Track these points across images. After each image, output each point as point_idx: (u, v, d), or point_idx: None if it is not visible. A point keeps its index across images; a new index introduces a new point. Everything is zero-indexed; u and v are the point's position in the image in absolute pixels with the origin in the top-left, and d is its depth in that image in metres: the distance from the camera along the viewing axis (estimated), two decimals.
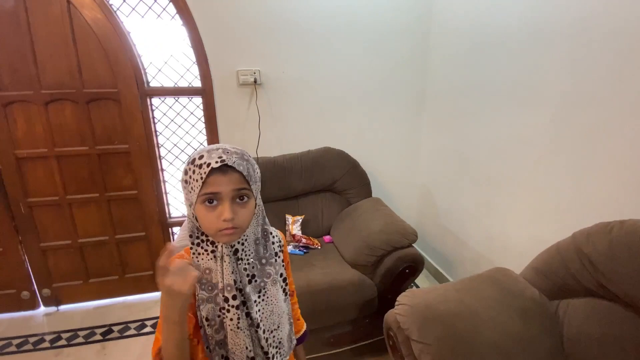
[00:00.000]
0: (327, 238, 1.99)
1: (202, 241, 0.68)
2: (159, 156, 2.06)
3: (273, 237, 0.77)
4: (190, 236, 0.68)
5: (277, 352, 0.74)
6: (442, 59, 2.11)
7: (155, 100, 2.00)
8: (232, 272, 0.68)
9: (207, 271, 0.68)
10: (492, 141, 1.72)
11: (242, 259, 0.70)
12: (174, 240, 2.21)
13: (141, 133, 1.94)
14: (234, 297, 0.67)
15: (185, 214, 2.16)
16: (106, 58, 1.81)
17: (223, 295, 0.67)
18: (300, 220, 1.98)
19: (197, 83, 1.99)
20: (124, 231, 2.09)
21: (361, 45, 2.11)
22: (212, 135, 2.06)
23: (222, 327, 0.68)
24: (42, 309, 2.12)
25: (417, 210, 2.53)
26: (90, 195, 1.98)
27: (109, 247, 2.09)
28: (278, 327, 0.74)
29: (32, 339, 1.89)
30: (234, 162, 0.62)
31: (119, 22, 1.80)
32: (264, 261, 0.73)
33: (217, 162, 0.61)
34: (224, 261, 0.67)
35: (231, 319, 0.67)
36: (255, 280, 0.72)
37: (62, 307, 2.14)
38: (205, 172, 0.60)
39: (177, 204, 2.21)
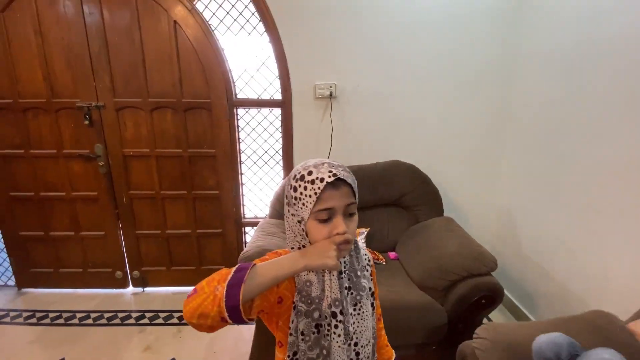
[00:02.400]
0: (392, 254, 1.98)
1: None
2: (240, 161, 2.23)
3: (359, 247, 0.78)
4: (292, 248, 0.70)
5: None
6: (533, 65, 1.95)
7: (240, 110, 2.18)
8: (340, 287, 0.68)
9: (308, 284, 0.68)
10: (596, 161, 1.53)
11: (342, 272, 0.71)
12: (246, 239, 2.38)
13: (226, 139, 2.13)
14: (342, 312, 0.67)
15: (260, 216, 2.38)
16: (203, 72, 2.03)
17: (330, 311, 0.67)
18: (365, 233, 2.00)
19: (278, 96, 2.13)
20: (204, 227, 2.29)
21: (438, 57, 2.08)
22: (288, 144, 2.18)
23: (316, 345, 0.68)
24: (131, 288, 2.41)
25: (493, 234, 2.38)
26: (180, 192, 2.21)
27: (190, 240, 2.31)
28: (368, 342, 0.74)
29: (120, 315, 2.16)
30: (344, 175, 0.63)
31: (215, 39, 2.00)
32: (358, 273, 0.73)
33: (329, 176, 0.61)
34: (332, 275, 0.68)
35: (339, 335, 0.67)
36: (352, 293, 0.71)
37: (148, 289, 2.41)
38: (319, 188, 0.61)
39: (250, 205, 2.37)
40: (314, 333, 0.68)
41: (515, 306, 2.11)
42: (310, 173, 0.63)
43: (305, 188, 0.63)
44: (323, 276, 0.68)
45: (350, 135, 2.19)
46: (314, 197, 0.61)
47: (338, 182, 0.62)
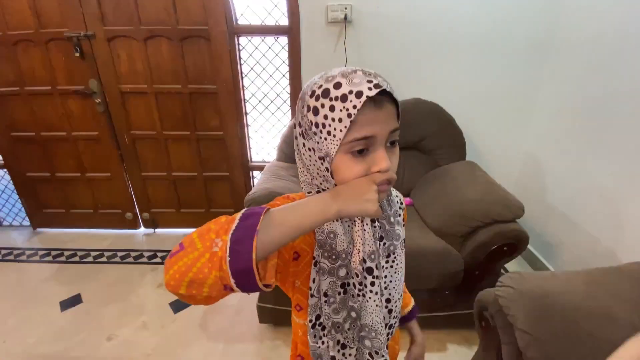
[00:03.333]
0: (407, 200, 1.84)
1: None
2: (244, 99, 2.05)
3: (393, 191, 0.64)
4: (309, 193, 0.55)
5: (394, 323, 0.64)
6: None
7: (242, 40, 1.94)
8: (374, 238, 0.54)
9: (332, 235, 0.54)
10: None
11: (374, 221, 0.57)
12: (254, 183, 2.28)
13: (228, 74, 1.93)
14: (377, 267, 0.54)
15: (268, 160, 2.26)
16: None
17: (364, 266, 0.54)
18: None
19: (285, 21, 1.87)
20: (211, 170, 2.20)
21: None
22: (296, 79, 1.97)
23: (342, 307, 0.56)
24: (142, 229, 2.43)
25: (516, 181, 2.18)
26: (183, 132, 2.09)
27: (197, 183, 2.24)
28: (400, 296, 0.63)
29: (133, 254, 2.19)
30: (390, 88, 0.46)
31: None
32: (392, 219, 0.59)
33: (370, 88, 0.43)
34: (364, 224, 0.53)
35: (376, 293, 0.55)
36: (384, 243, 0.58)
37: (159, 230, 2.41)
38: (355, 107, 0.43)
39: (257, 148, 2.24)
40: (339, 294, 0.55)
41: (533, 256, 1.99)
42: (338, 86, 0.45)
43: (332, 108, 0.45)
44: (352, 225, 0.54)
45: (366, 68, 1.94)
46: (346, 121, 0.44)
47: (381, 98, 0.45)
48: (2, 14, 1.83)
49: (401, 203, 0.65)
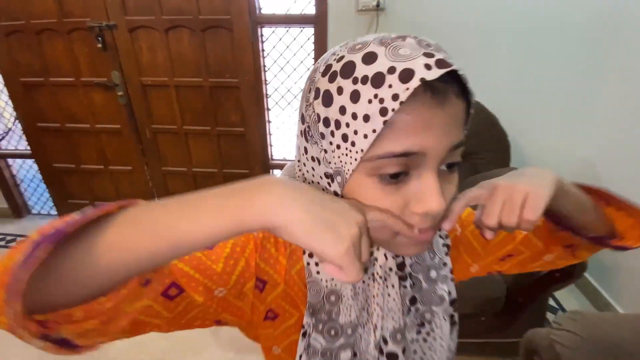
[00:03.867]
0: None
1: None
2: (266, 94, 1.94)
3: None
4: None
5: None
6: None
7: (266, 31, 1.82)
8: (402, 306, 0.38)
9: (332, 298, 0.37)
10: None
11: (405, 278, 0.40)
12: None
13: (250, 67, 1.82)
14: (406, 350, 0.39)
15: (289, 158, 2.16)
16: None
17: (384, 351, 0.38)
18: None
19: (311, 10, 1.73)
20: (231, 167, 2.12)
21: None
22: None
23: None
24: None
25: None
26: (203, 127, 2.02)
27: (217, 180, 2.17)
28: None
29: None
30: (460, 69, 0.29)
31: None
32: (433, 274, 0.41)
33: (429, 66, 0.27)
34: (387, 283, 0.37)
35: None
36: (416, 309, 0.41)
37: None
38: (398, 96, 0.27)
39: (279, 146, 2.13)
40: None
41: (590, 286, 1.73)
42: (370, 58, 0.28)
43: (355, 96, 0.28)
44: (367, 284, 0.37)
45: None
46: (378, 122, 0.28)
47: (445, 87, 0.28)
48: (26, 2, 1.82)
49: (446, 239, 0.44)
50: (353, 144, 0.29)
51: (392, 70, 0.27)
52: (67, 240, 0.23)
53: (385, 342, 0.38)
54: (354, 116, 0.28)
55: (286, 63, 1.89)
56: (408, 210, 0.31)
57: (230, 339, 1.56)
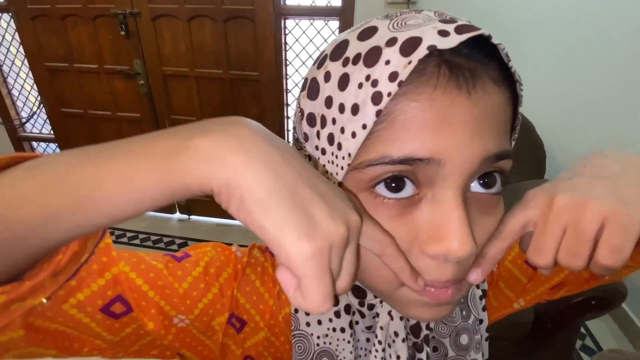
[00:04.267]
0: None
1: None
2: (286, 89, 1.88)
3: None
4: None
5: None
6: None
7: (289, 23, 1.75)
8: None
9: (320, 340, 0.30)
10: None
11: (421, 347, 0.30)
12: None
13: (271, 60, 1.76)
14: None
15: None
16: None
17: None
18: None
19: (337, 2, 1.64)
20: None
21: None
22: None
23: None
24: (177, 215, 2.40)
25: None
26: None
27: None
28: None
29: (165, 239, 2.17)
30: (494, 38, 0.21)
31: None
32: (464, 340, 0.33)
33: (445, 32, 0.20)
34: (389, 354, 0.29)
35: None
36: None
37: (193, 217, 2.37)
38: (397, 75, 0.19)
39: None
40: None
41: (625, 315, 1.56)
42: (368, 33, 0.21)
43: (343, 81, 0.21)
44: (369, 350, 0.29)
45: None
46: (370, 112, 0.20)
47: (474, 65, 0.20)
48: None
49: (482, 283, 0.35)
50: (340, 146, 0.22)
51: (392, 42, 0.20)
52: None
53: None
54: (341, 108, 0.21)
55: (308, 57, 1.82)
56: (416, 249, 0.22)
57: None
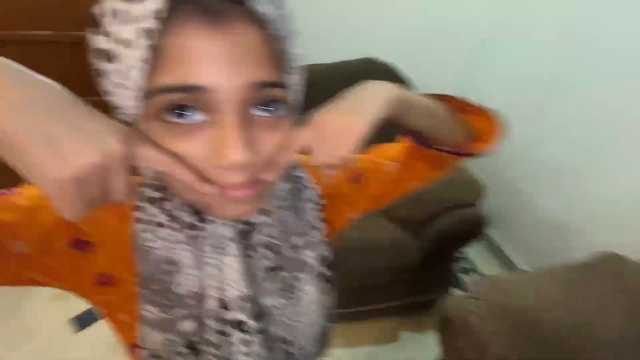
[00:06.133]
0: None
1: (165, 199, 0.33)
2: None
3: (304, 185, 0.41)
4: (146, 184, 0.33)
5: None
6: None
7: None
8: (245, 274, 0.34)
9: (166, 265, 0.33)
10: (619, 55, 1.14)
11: (257, 246, 0.36)
12: None
13: None
14: (258, 317, 0.36)
15: None
16: None
17: (229, 317, 0.35)
18: None
19: None
20: None
21: None
22: None
23: None
24: None
25: (485, 169, 1.90)
26: None
27: None
28: (312, 342, 0.43)
29: None
30: None
31: None
32: (295, 241, 0.39)
33: None
34: (224, 254, 0.34)
35: (247, 355, 0.36)
36: (282, 276, 0.38)
37: None
38: (155, 13, 0.22)
39: None
40: (182, 354, 0.35)
41: (496, 247, 1.76)
42: None
43: (115, 17, 0.23)
44: (203, 247, 0.34)
45: (311, 16, 1.55)
46: (140, 46, 0.23)
47: (221, 7, 0.24)
48: None
49: (318, 197, 0.41)
50: (124, 82, 0.24)
51: None
52: None
53: (225, 307, 0.34)
54: (120, 43, 0.23)
55: None
56: (209, 162, 0.27)
57: None
